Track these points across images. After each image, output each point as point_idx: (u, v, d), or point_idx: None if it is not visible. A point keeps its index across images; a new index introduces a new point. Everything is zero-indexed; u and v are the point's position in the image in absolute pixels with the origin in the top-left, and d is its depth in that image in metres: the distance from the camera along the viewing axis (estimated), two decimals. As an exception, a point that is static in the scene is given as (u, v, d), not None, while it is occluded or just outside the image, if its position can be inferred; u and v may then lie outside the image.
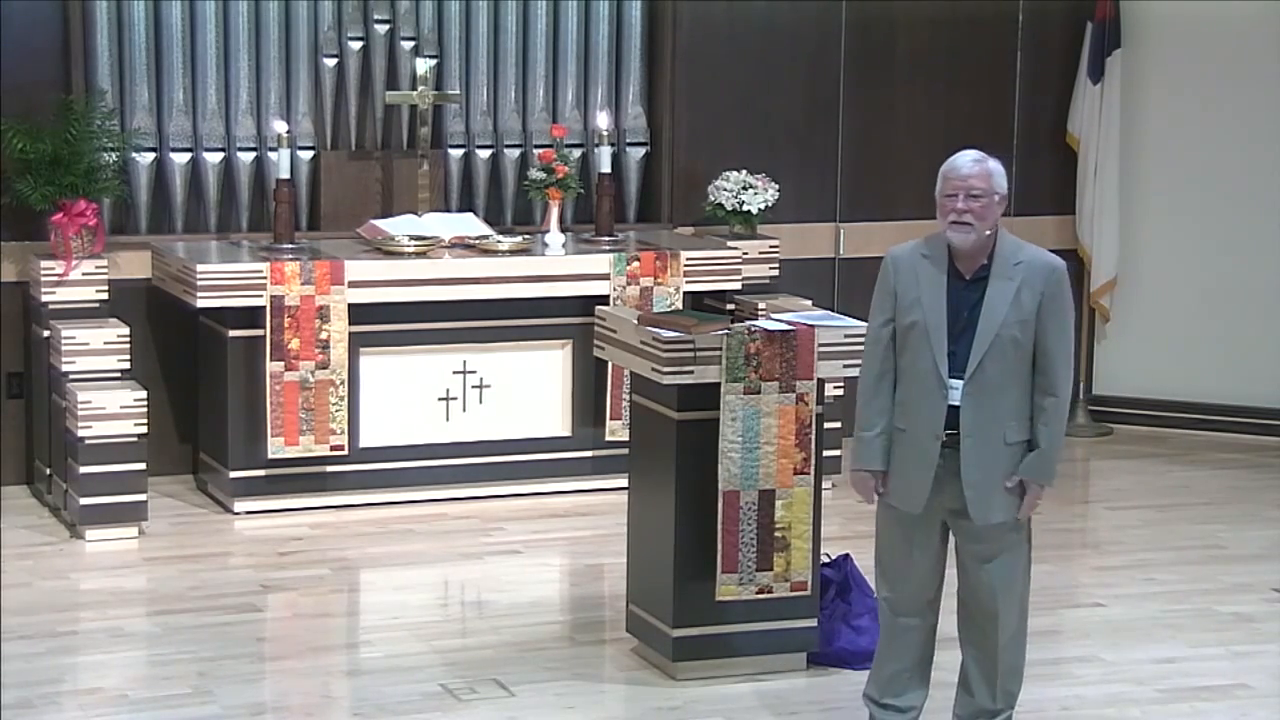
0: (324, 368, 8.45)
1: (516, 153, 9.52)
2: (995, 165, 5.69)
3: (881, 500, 5.85)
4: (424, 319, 8.71)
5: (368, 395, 8.70)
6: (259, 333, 8.43)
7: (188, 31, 9.02)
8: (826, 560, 6.87)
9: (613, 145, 9.50)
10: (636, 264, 8.88)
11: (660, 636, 6.64)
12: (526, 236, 9.06)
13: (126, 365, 8.39)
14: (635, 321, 6.63)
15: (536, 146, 9.47)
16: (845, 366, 6.51)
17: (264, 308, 8.38)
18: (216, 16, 9.05)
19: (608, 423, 8.93)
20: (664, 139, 9.74)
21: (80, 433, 8.13)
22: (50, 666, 6.71)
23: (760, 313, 8.68)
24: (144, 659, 6.85)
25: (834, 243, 10.04)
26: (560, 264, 8.88)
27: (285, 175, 8.72)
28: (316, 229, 9.25)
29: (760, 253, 9.36)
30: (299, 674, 6.73)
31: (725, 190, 9.39)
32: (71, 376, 8.29)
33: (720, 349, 6.39)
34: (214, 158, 9.08)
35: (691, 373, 6.40)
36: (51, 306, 8.53)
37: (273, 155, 8.87)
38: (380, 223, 9.06)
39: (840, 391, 8.44)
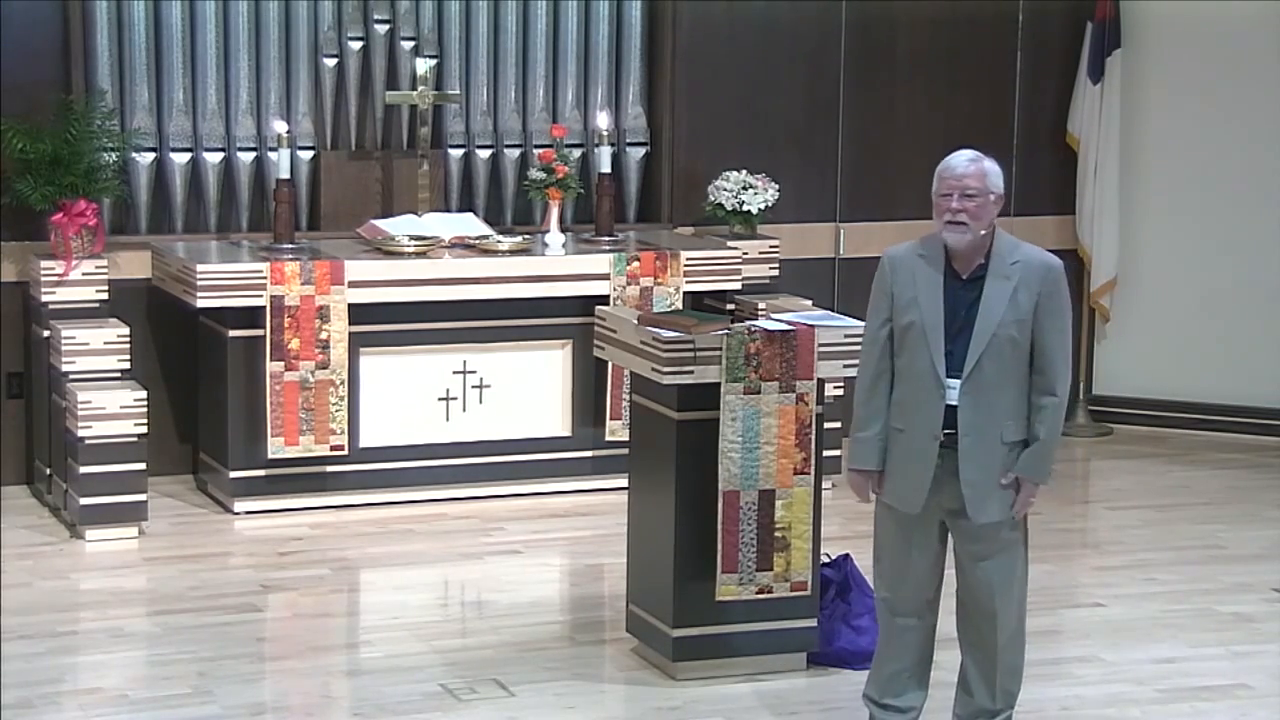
0: (324, 368, 8.46)
1: (516, 153, 9.53)
2: (991, 165, 5.69)
3: (880, 500, 5.85)
4: (424, 319, 8.71)
5: (368, 395, 8.71)
6: (259, 333, 8.43)
7: (188, 31, 9.03)
8: (826, 560, 6.87)
9: (613, 145, 9.50)
10: (636, 264, 8.88)
11: (660, 636, 6.64)
12: (526, 236, 9.06)
13: (126, 365, 8.39)
14: (635, 321, 6.63)
15: (536, 146, 9.47)
16: (845, 366, 6.51)
17: (264, 308, 8.38)
18: (216, 16, 9.05)
19: (608, 423, 8.93)
20: (664, 139, 9.74)
21: (80, 433, 8.13)
22: (50, 666, 6.71)
23: (760, 313, 8.68)
24: (144, 659, 6.85)
25: (834, 243, 10.04)
26: (560, 264, 8.88)
27: (285, 175, 8.72)
28: (316, 229, 9.25)
29: (760, 253, 9.37)
30: (299, 674, 6.73)
31: (725, 190, 9.40)
32: (71, 376, 8.29)
33: (720, 349, 6.39)
34: (214, 158, 9.08)
35: (691, 373, 6.40)
36: (51, 306, 8.53)
37: (273, 155, 8.88)
38: (380, 223, 9.06)
39: (840, 391, 8.44)
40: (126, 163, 8.92)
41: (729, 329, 6.43)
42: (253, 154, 9.14)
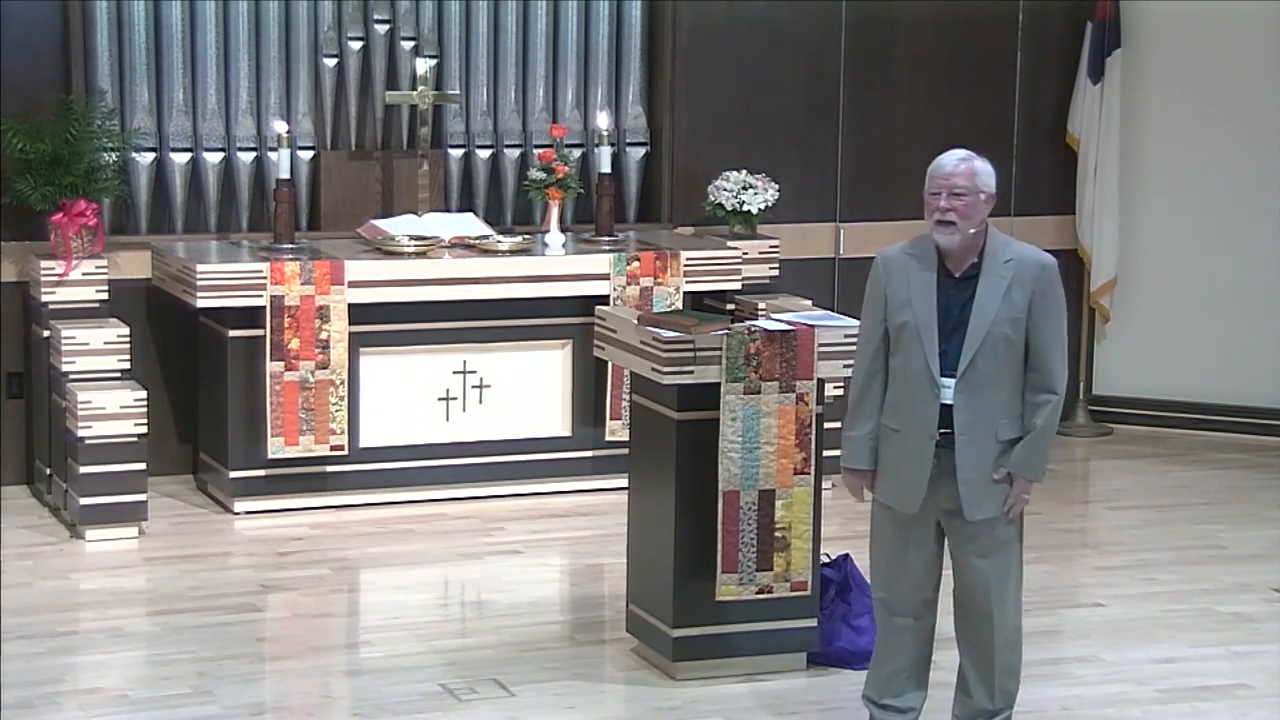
0: (324, 368, 8.45)
1: (516, 153, 9.53)
2: (981, 164, 5.68)
3: (876, 500, 5.85)
4: (424, 319, 8.71)
5: (368, 395, 8.70)
6: (259, 333, 8.43)
7: (188, 31, 9.03)
8: (826, 560, 6.87)
9: (613, 145, 9.50)
10: (636, 264, 8.88)
11: (660, 636, 6.64)
12: (526, 236, 9.06)
13: (126, 365, 8.39)
14: (635, 321, 6.63)
15: (536, 146, 9.47)
16: (845, 366, 6.50)
17: (264, 308, 8.38)
18: (216, 16, 9.05)
19: (608, 423, 8.93)
20: (664, 139, 9.74)
21: (80, 433, 8.13)
22: (50, 666, 6.71)
23: (760, 313, 8.68)
24: (144, 659, 6.85)
25: (834, 243, 10.04)
26: (560, 264, 8.88)
27: (285, 175, 8.72)
28: (316, 229, 9.25)
29: (760, 253, 9.36)
30: (299, 674, 6.73)
31: (725, 190, 9.39)
32: (71, 376, 8.29)
33: (720, 349, 6.39)
34: (214, 158, 9.08)
35: (691, 373, 6.40)
36: (51, 306, 8.53)
37: (273, 155, 8.88)
38: (380, 223, 9.06)
39: (840, 391, 8.41)
40: (126, 163, 8.92)
41: (729, 329, 6.43)
42: (253, 154, 9.14)
